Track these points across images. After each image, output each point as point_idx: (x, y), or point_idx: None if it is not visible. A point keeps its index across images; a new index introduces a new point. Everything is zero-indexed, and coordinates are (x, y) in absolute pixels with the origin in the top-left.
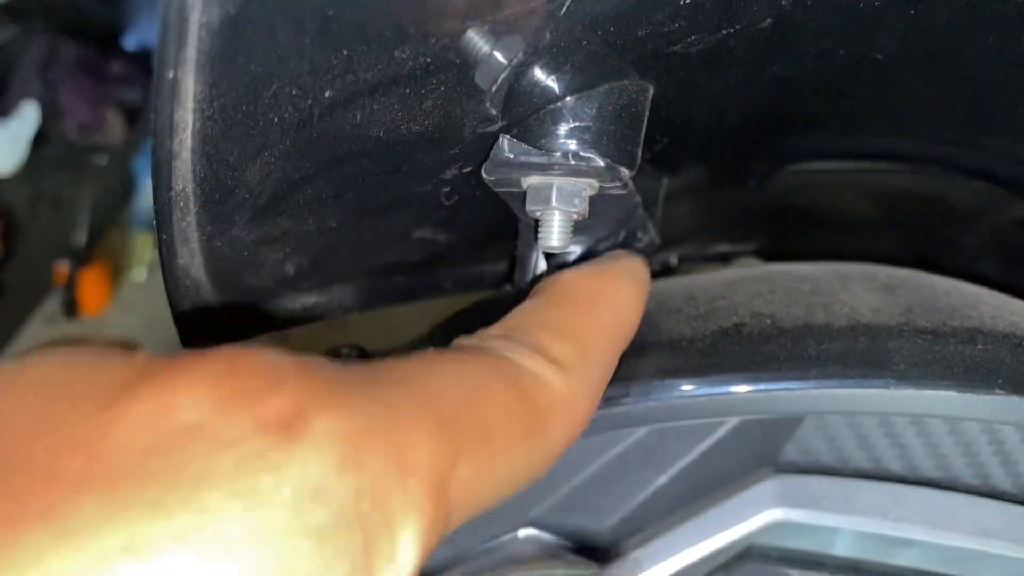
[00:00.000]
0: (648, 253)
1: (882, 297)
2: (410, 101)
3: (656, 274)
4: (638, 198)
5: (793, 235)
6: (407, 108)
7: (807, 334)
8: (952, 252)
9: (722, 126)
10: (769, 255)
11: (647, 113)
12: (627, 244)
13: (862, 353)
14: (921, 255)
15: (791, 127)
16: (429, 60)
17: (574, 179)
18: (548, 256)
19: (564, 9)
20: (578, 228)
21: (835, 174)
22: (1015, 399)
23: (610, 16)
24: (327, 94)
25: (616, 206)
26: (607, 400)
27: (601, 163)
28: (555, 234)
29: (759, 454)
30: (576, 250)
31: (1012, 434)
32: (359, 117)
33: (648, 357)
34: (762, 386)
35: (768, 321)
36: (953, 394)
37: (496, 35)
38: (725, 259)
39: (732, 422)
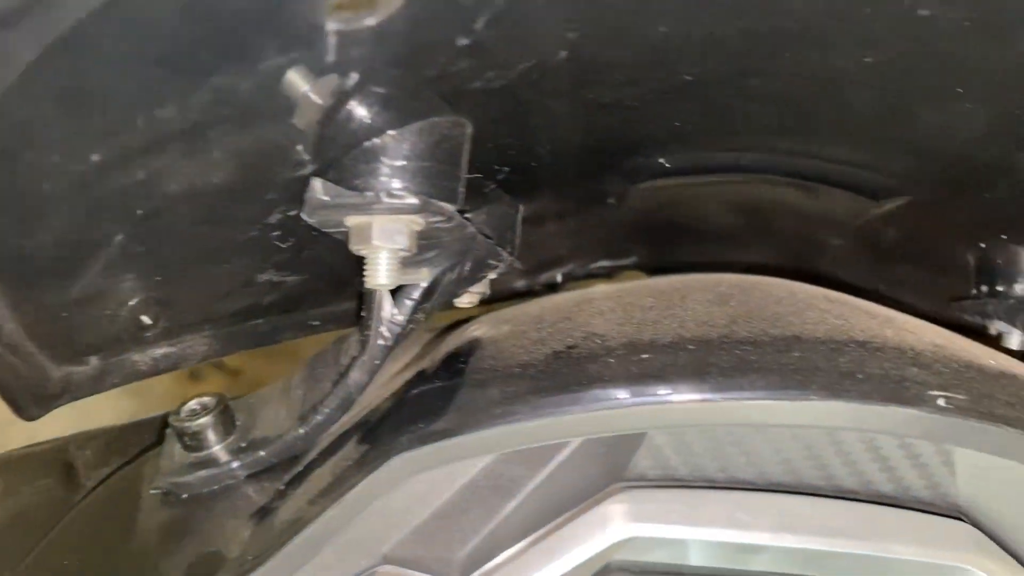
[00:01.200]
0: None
1: (713, 309)
2: (197, 155)
3: (536, 294)
4: (471, 229)
5: (670, 248)
6: (197, 162)
7: (633, 351)
8: (821, 255)
9: (565, 152)
10: (653, 268)
11: (466, 148)
12: (478, 272)
13: (681, 368)
14: (797, 260)
15: (632, 148)
16: (204, 116)
17: (395, 216)
18: (394, 292)
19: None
20: (414, 262)
21: (690, 188)
22: (829, 404)
23: (405, 57)
24: (94, 158)
25: (450, 239)
26: (446, 432)
27: (419, 200)
28: (381, 272)
29: (607, 470)
30: (422, 284)
31: (851, 436)
32: (142, 175)
33: (486, 386)
34: (589, 406)
35: (598, 341)
36: (768, 403)
37: (314, 74)
38: (609, 275)
39: (576, 441)
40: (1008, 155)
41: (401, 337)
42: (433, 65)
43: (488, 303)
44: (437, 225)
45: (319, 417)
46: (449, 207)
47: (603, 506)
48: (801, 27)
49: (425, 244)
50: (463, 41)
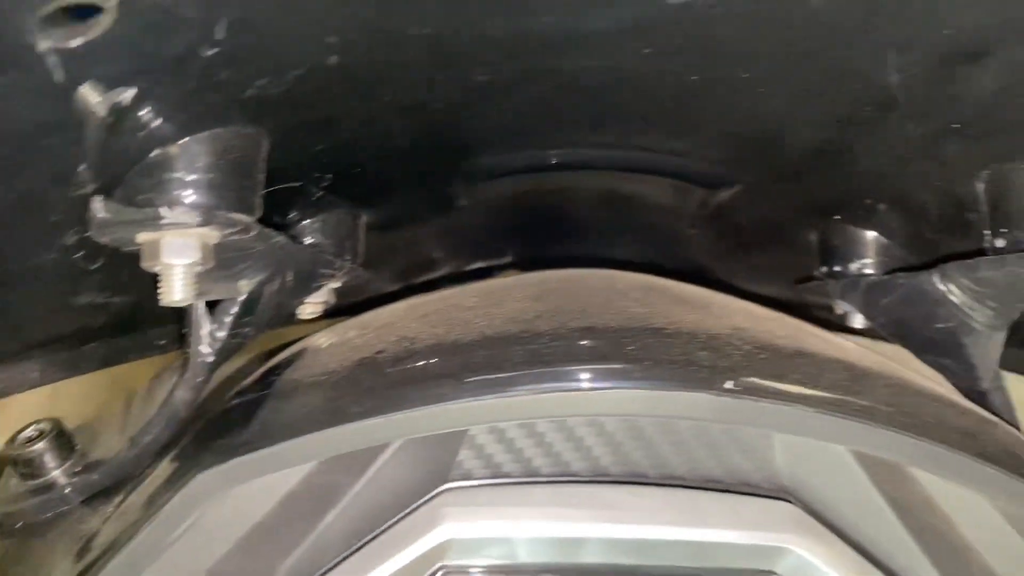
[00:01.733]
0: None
1: (528, 305)
2: None
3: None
4: (279, 239)
5: (544, 245)
6: None
7: (434, 353)
8: (686, 247)
9: (391, 156)
10: (533, 265)
11: (261, 158)
12: (309, 282)
13: (474, 366)
14: (665, 254)
15: (459, 149)
16: None
17: (185, 231)
18: (210, 307)
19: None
20: (225, 277)
21: (538, 185)
22: (619, 392)
23: (157, 70)
24: None
25: (259, 250)
26: (248, 446)
27: (205, 213)
28: (176, 289)
29: (432, 472)
30: (239, 298)
31: (683, 423)
32: None
33: (290, 397)
34: (382, 410)
35: (406, 344)
36: (560, 395)
37: (99, 90)
38: (486, 274)
39: (394, 445)
40: (820, 138)
41: (225, 352)
42: (192, 76)
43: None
44: (235, 238)
45: (147, 438)
46: (244, 218)
47: (425, 508)
48: (565, 26)
49: (232, 257)
50: (209, 51)
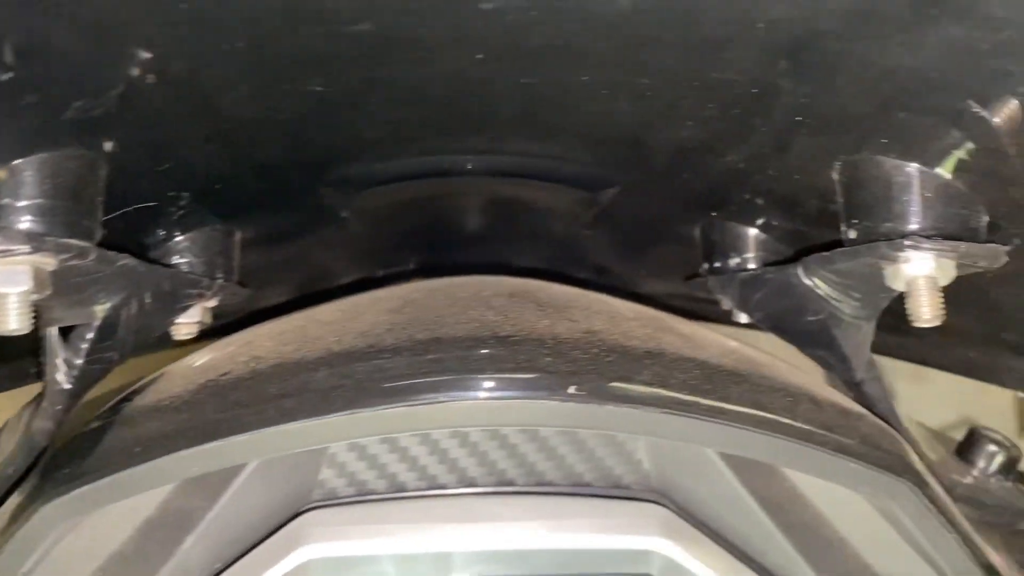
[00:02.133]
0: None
1: (384, 318)
2: None
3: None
4: (125, 261)
5: (443, 252)
6: None
7: (275, 374)
8: (579, 248)
9: (252, 169)
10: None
11: (97, 180)
12: (173, 303)
13: (312, 385)
14: (563, 258)
15: (324, 160)
16: None
17: (17, 259)
18: (63, 334)
19: None
20: (74, 302)
21: (418, 192)
22: (462, 404)
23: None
24: None
25: (106, 274)
26: (86, 475)
27: (43, 239)
28: (11, 317)
29: (293, 493)
30: (95, 323)
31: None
32: None
33: (134, 424)
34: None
35: (252, 365)
36: (405, 410)
37: None
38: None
39: (251, 466)
40: (678, 137)
41: (85, 379)
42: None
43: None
44: (75, 263)
45: (10, 469)
46: (79, 243)
47: (285, 531)
48: (383, 34)
49: (78, 283)
50: (6, 76)
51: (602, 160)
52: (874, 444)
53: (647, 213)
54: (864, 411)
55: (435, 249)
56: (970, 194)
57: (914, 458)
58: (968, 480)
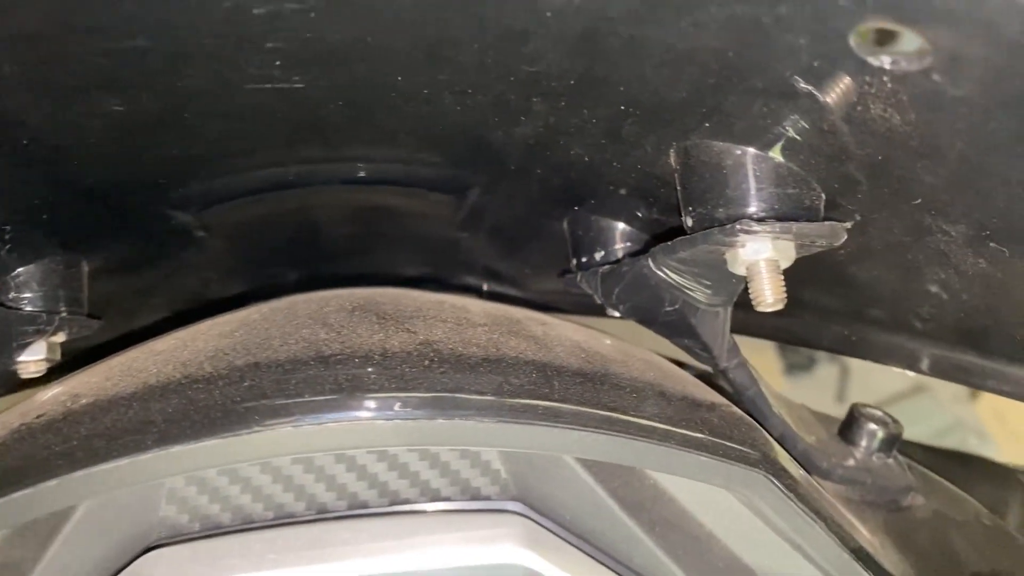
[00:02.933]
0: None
1: (213, 344)
2: None
3: None
4: None
5: (320, 263)
6: None
7: (85, 415)
8: (459, 252)
9: (83, 195)
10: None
11: None
12: (8, 342)
13: (126, 424)
14: (444, 264)
15: (152, 182)
16: None
17: None
18: None
19: None
20: None
21: (268, 206)
22: (270, 433)
23: None
24: None
25: None
26: None
27: None
28: None
29: (132, 534)
30: None
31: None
32: None
33: None
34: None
35: (68, 405)
36: (214, 442)
37: None
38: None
39: (79, 511)
40: (519, 133)
41: None
42: None
43: None
44: None
45: None
46: None
47: (126, 572)
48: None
49: None
50: None
51: (452, 161)
52: (725, 435)
53: (514, 212)
54: (720, 401)
55: (317, 261)
56: (803, 174)
57: (773, 447)
58: (850, 462)
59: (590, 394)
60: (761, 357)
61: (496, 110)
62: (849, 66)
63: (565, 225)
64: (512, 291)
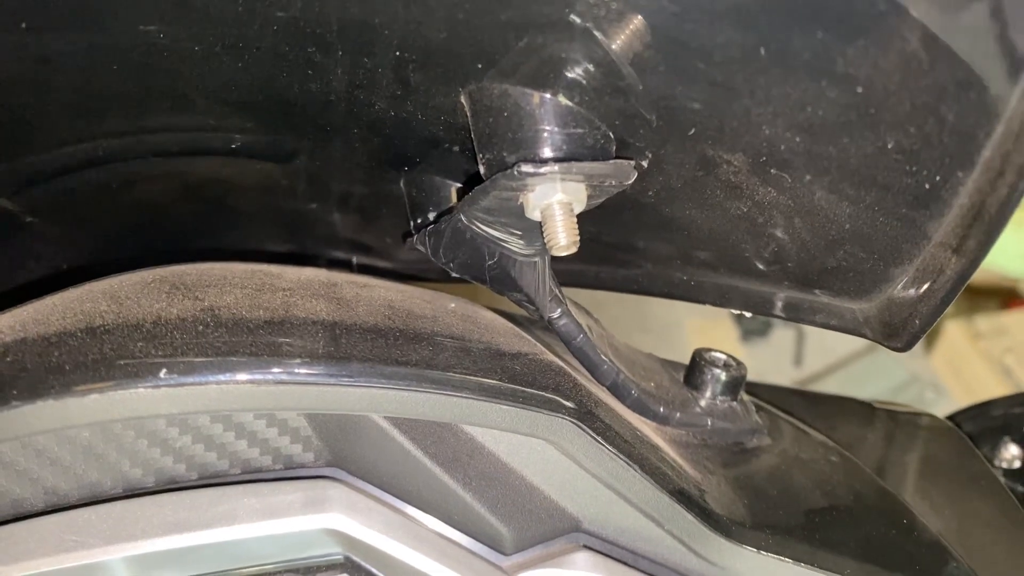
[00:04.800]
0: None
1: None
2: None
3: None
4: None
5: (168, 239)
6: None
7: None
8: (314, 223)
9: None
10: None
11: None
12: None
13: None
14: (296, 233)
15: None
16: None
17: None
18: None
19: None
20: None
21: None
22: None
23: None
24: None
25: None
26: None
27: None
28: None
29: None
30: None
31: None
32: None
33: None
34: None
35: None
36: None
37: None
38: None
39: None
40: (317, 90)
41: None
42: None
43: None
44: None
45: None
46: None
47: None
48: None
49: None
50: None
51: (263, 126)
52: (527, 382)
53: (352, 178)
54: (530, 351)
55: (174, 240)
56: (588, 114)
57: (583, 392)
58: (693, 407)
59: (381, 349)
60: (718, 325)
61: (278, 65)
62: None
63: (402, 186)
64: (381, 263)
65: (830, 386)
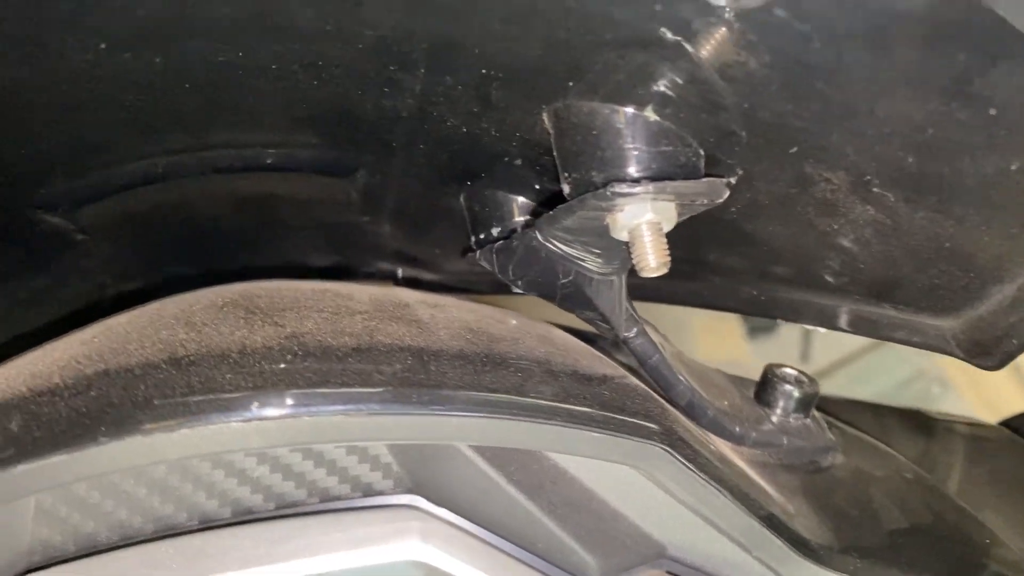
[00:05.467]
0: None
1: (71, 352)
2: None
3: None
4: None
5: (223, 256)
6: None
7: None
8: (365, 237)
9: None
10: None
11: None
12: None
13: None
14: (345, 247)
15: (15, 183)
16: None
17: None
18: None
19: None
20: None
21: (158, 197)
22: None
23: None
24: None
25: None
26: None
27: None
28: None
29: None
30: None
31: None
32: None
33: None
34: None
35: None
36: (61, 458)
37: None
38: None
39: None
40: (398, 107)
41: None
42: None
43: None
44: None
45: None
46: None
47: None
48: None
49: None
50: None
51: (329, 142)
52: (617, 408)
53: (410, 192)
54: (614, 373)
55: (219, 255)
56: (677, 130)
57: (670, 416)
58: (765, 425)
59: (470, 376)
60: (723, 321)
61: (355, 82)
62: (695, 9)
63: (462, 201)
64: (427, 275)
65: (838, 381)
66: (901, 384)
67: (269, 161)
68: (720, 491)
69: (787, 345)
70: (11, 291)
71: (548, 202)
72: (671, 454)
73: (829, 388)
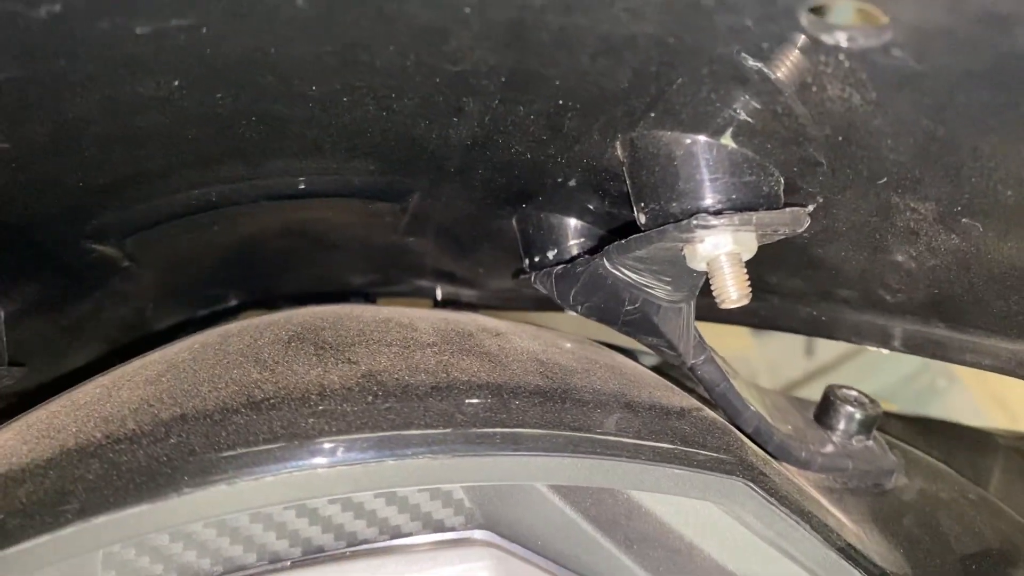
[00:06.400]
0: None
1: (138, 393)
2: None
3: None
4: None
5: (265, 282)
6: None
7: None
8: (409, 256)
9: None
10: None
11: None
12: None
13: (42, 496)
14: (388, 267)
15: (66, 214)
16: None
17: None
18: None
19: None
20: None
21: (207, 225)
22: (206, 492)
23: None
24: None
25: None
26: None
27: None
28: None
29: None
30: None
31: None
32: None
33: None
34: None
35: None
36: (141, 508)
37: None
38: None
39: None
40: (457, 135)
41: None
42: None
43: None
44: None
45: None
46: None
47: None
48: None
49: None
50: None
51: (387, 169)
52: (699, 444)
53: (459, 213)
54: (691, 405)
55: (260, 280)
56: (759, 159)
57: (749, 449)
58: (829, 448)
59: (551, 415)
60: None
61: (426, 113)
62: (801, 46)
63: (514, 223)
64: (467, 292)
65: (842, 376)
66: (907, 378)
67: (322, 188)
68: (799, 524)
69: (791, 340)
70: (55, 319)
71: (605, 225)
72: (753, 489)
73: (834, 382)
